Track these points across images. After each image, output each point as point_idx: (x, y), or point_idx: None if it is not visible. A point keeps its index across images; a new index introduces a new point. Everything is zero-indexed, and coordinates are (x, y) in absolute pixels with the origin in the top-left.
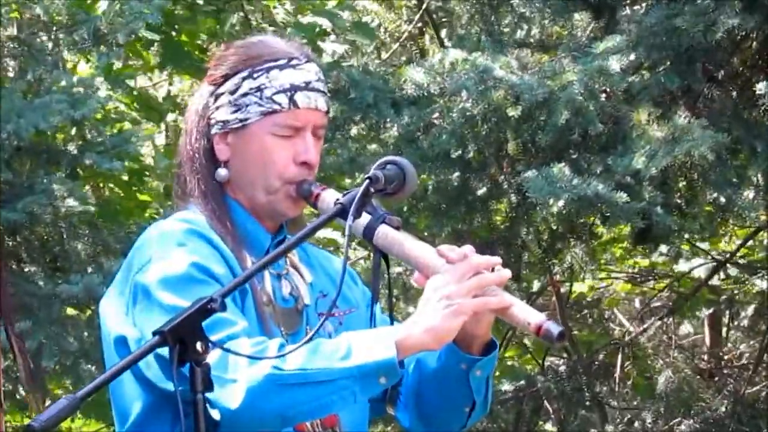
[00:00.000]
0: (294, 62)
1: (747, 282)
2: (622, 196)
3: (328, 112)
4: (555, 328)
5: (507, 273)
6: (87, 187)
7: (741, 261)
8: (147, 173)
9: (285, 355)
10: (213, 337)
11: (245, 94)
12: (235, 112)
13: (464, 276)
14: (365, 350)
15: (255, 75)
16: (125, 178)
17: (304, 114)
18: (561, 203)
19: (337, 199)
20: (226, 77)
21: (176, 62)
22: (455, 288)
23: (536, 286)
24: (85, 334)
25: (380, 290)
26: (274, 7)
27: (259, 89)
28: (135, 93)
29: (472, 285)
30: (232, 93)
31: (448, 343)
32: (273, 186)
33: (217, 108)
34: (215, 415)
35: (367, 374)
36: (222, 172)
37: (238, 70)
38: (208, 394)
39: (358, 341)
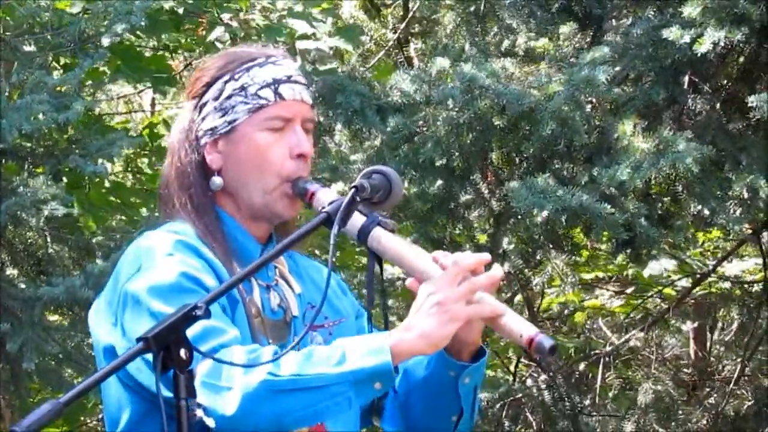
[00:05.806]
0: (272, 59)
1: (730, 294)
2: (606, 207)
3: (313, 106)
4: (547, 342)
5: (499, 272)
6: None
7: (724, 273)
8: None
9: (279, 360)
10: (205, 346)
11: (230, 96)
12: (223, 116)
13: (455, 280)
14: (360, 356)
15: (236, 76)
16: None
17: (292, 105)
18: (545, 213)
19: (323, 208)
20: (208, 86)
21: (133, 70)
22: (448, 294)
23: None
24: (68, 337)
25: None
26: (244, 11)
27: (242, 88)
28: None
29: (464, 290)
30: (216, 98)
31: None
32: (270, 184)
33: (203, 118)
34: (210, 423)
35: (362, 380)
36: (217, 180)
37: (218, 76)
38: (202, 402)
39: (352, 347)
